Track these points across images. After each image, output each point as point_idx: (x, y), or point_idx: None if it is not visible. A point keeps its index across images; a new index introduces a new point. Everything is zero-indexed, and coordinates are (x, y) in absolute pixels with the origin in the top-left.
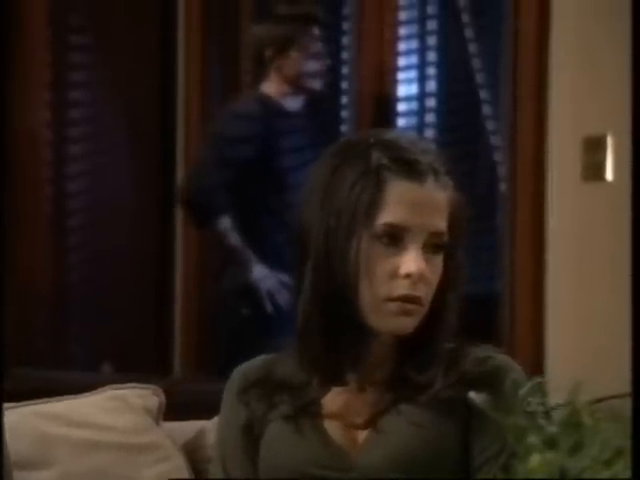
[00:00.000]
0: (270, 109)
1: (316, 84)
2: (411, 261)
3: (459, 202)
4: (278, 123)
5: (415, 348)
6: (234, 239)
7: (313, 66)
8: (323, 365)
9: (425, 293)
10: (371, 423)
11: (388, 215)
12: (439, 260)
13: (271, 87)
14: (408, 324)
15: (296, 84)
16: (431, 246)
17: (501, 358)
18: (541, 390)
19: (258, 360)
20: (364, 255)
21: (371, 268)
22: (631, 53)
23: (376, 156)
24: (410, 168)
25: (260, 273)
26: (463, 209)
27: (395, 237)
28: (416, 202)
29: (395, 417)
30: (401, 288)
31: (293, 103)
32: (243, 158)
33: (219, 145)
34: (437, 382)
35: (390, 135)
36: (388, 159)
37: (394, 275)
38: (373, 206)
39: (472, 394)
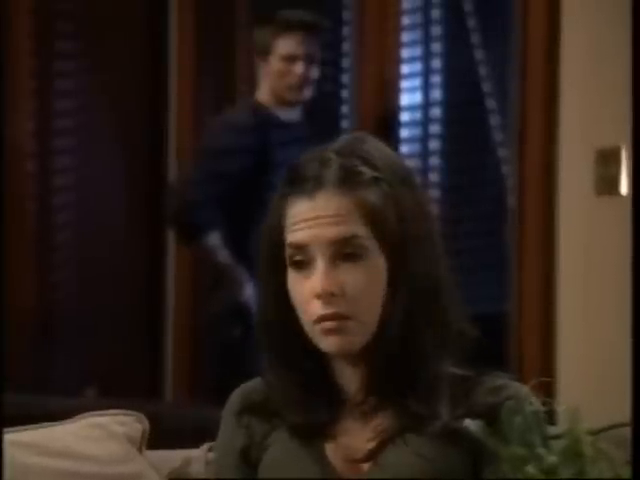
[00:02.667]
0: (265, 119)
1: (304, 94)
2: (316, 280)
3: (384, 200)
4: (274, 134)
5: (397, 369)
6: (223, 256)
7: (304, 74)
8: (293, 395)
9: (347, 307)
10: (375, 452)
11: (289, 237)
12: (363, 266)
13: (264, 95)
14: (343, 342)
15: (279, 94)
16: (344, 255)
17: (516, 388)
18: (540, 418)
19: (258, 382)
20: (289, 281)
21: (293, 293)
22: (631, 64)
23: (281, 183)
24: (301, 185)
25: (252, 292)
26: (394, 205)
27: (304, 257)
28: (308, 217)
29: (400, 448)
30: (316, 309)
31: (290, 113)
32: (237, 171)
33: (212, 157)
34: (443, 413)
35: (311, 154)
36: (287, 183)
37: (309, 297)
38: (279, 232)
39: (467, 421)
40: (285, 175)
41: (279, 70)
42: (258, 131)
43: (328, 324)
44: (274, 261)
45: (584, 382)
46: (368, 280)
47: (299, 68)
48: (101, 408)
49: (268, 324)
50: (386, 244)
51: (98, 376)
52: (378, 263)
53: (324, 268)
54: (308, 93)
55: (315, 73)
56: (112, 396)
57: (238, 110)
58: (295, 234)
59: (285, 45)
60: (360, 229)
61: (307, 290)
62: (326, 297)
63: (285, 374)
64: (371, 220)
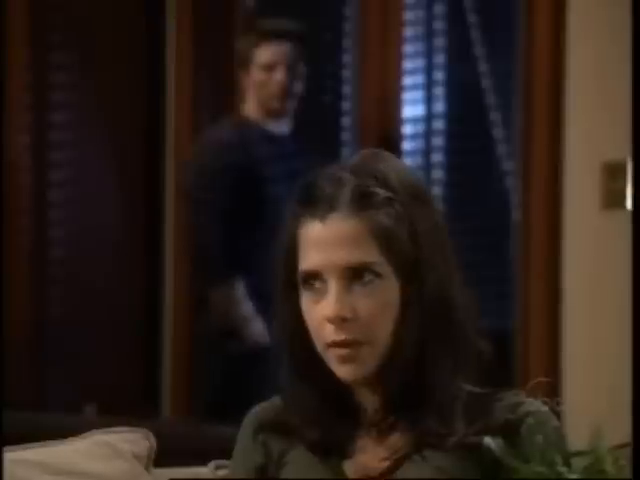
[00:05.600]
0: (252, 134)
1: (288, 103)
2: (328, 305)
3: (397, 221)
4: (262, 148)
5: (412, 388)
6: (245, 309)
7: (285, 81)
8: (311, 413)
9: (361, 332)
10: (392, 469)
11: (302, 262)
12: (376, 289)
13: (251, 108)
14: (356, 371)
15: (264, 105)
16: (356, 279)
17: (533, 405)
18: (561, 436)
19: (273, 401)
20: (303, 304)
21: (307, 315)
22: (632, 80)
23: (294, 203)
24: (314, 206)
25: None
26: (407, 226)
27: (316, 281)
28: (320, 241)
29: (418, 463)
30: (328, 333)
31: (278, 125)
32: (230, 190)
33: (206, 182)
34: (459, 429)
35: (325, 171)
36: (299, 203)
37: (322, 320)
38: (292, 252)
39: (487, 439)
40: (298, 194)
41: (260, 80)
42: (245, 146)
43: (341, 352)
44: (289, 282)
45: (590, 397)
46: (381, 303)
47: (280, 75)
48: (103, 426)
49: (285, 343)
50: (399, 265)
51: (96, 394)
52: (391, 285)
53: (336, 292)
54: (293, 103)
55: (298, 86)
56: (111, 414)
57: (223, 126)
58: (307, 260)
59: (264, 54)
60: (373, 253)
61: (319, 313)
62: (338, 322)
63: (303, 392)
64: (384, 243)
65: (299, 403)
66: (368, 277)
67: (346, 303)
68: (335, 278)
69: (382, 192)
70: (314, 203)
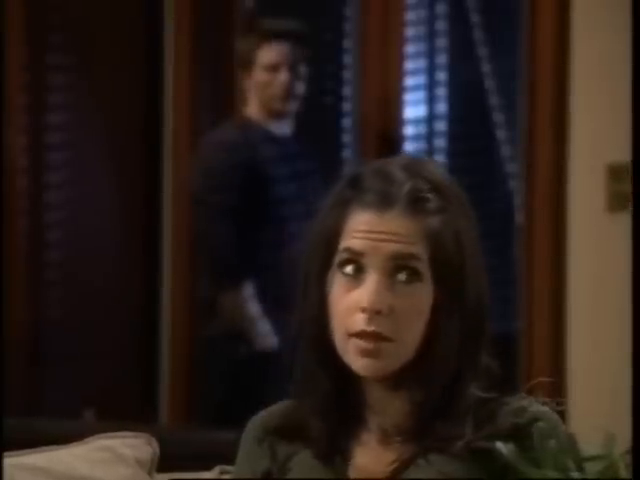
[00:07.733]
0: (255, 135)
1: (291, 104)
2: (365, 293)
3: (446, 229)
4: (265, 149)
5: (437, 394)
6: (253, 310)
7: (288, 82)
8: (320, 413)
9: (391, 328)
10: (398, 472)
11: (345, 241)
12: (416, 289)
13: (253, 109)
14: (376, 366)
15: (267, 106)
16: (399, 273)
17: (540, 409)
18: (573, 441)
19: (277, 407)
20: (332, 288)
21: (335, 301)
22: (631, 83)
23: (347, 189)
24: (366, 196)
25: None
26: (454, 235)
27: (356, 266)
28: (374, 230)
29: (423, 467)
30: (358, 323)
31: (281, 126)
32: (236, 193)
33: (205, 181)
34: (467, 433)
35: (376, 165)
36: (355, 191)
37: (354, 308)
38: (334, 236)
39: (498, 444)
40: (345, 181)
41: (263, 81)
42: (247, 147)
43: (365, 344)
44: (324, 265)
45: (594, 399)
46: (417, 304)
47: (283, 76)
48: (102, 431)
49: (308, 327)
50: (438, 272)
51: (94, 398)
52: (428, 289)
53: (376, 283)
54: (295, 104)
55: (300, 87)
56: (109, 419)
57: (226, 129)
58: (355, 241)
59: (267, 54)
60: (420, 252)
61: (353, 301)
62: (372, 313)
63: (314, 389)
64: (432, 247)
65: (310, 394)
66: (410, 274)
67: (385, 297)
68: (378, 267)
69: (436, 199)
70: (366, 193)
